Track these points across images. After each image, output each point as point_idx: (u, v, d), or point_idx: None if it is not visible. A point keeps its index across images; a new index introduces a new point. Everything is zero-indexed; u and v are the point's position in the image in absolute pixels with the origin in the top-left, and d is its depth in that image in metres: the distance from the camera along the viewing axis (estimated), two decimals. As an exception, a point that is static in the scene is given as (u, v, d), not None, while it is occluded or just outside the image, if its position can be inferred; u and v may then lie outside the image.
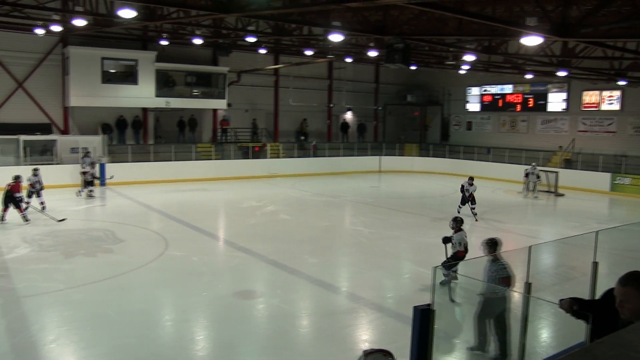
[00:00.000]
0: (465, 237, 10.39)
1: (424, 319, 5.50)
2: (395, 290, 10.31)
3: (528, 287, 6.71)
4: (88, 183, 22.06)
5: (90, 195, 21.78)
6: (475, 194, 18.10)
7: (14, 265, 11.90)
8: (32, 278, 10.93)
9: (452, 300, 9.08)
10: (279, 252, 13.49)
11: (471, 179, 18.37)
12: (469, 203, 18.16)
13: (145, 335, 8.35)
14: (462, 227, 10.49)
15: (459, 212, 17.38)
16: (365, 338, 8.45)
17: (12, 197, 16.29)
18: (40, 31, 22.75)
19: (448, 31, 20.12)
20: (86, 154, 24.63)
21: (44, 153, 25.69)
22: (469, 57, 23.78)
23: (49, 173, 24.08)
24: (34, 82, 26.60)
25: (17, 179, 16.64)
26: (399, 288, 10.19)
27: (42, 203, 18.43)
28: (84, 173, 22.26)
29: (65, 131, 27.38)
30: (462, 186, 18.35)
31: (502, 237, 8.07)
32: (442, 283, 9.41)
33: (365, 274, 10.12)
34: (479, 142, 34.70)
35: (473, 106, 36.46)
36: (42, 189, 18.88)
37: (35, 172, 18.98)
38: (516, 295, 7.58)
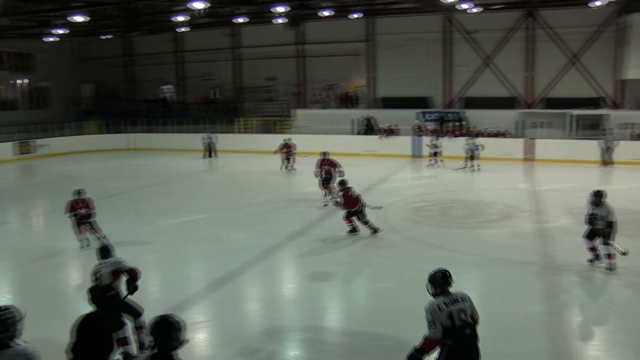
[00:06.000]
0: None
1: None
2: None
3: None
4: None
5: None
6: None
7: (555, 234, 12.09)
8: (569, 249, 10.66)
9: None
10: None
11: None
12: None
13: None
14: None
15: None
16: None
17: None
18: (597, 3, 22.66)
19: None
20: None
21: (593, 127, 25.40)
22: None
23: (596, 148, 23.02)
24: (586, 56, 26.75)
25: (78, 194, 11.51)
26: None
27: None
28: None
29: (618, 105, 26.46)
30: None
31: None
32: None
33: None
34: None
35: None
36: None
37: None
38: None
